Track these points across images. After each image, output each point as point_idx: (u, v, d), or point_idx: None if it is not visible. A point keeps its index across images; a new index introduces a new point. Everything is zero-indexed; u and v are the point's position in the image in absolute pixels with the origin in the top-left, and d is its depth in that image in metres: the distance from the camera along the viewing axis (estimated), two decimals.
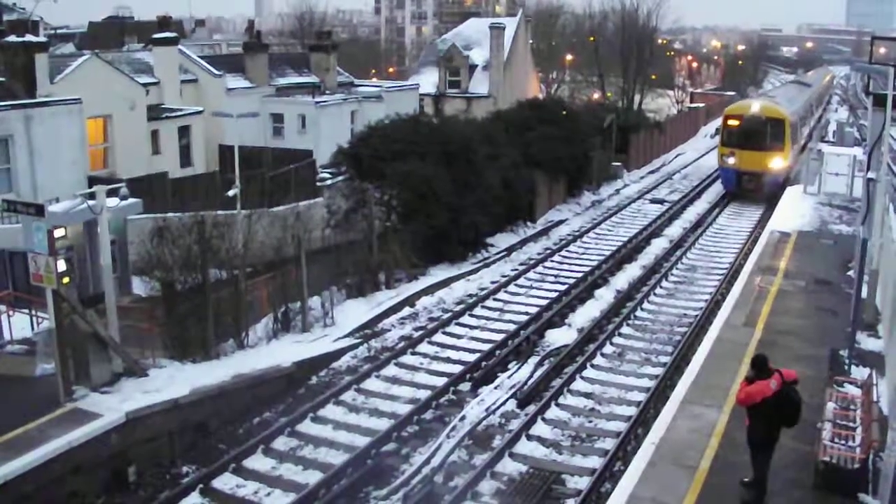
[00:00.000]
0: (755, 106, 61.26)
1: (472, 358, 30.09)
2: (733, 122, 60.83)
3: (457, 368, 29.25)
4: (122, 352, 25.00)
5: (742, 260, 40.61)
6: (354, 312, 34.11)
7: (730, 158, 60.04)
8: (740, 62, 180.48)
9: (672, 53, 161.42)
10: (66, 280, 23.24)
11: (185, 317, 28.45)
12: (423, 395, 27.12)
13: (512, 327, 33.49)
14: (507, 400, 26.62)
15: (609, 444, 23.52)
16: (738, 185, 60.52)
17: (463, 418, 25.36)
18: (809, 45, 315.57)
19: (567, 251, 46.70)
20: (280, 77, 68.34)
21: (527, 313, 35.22)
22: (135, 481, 22.46)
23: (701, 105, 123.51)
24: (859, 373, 22.03)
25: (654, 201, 62.08)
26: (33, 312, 28.96)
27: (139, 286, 32.57)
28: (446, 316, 34.93)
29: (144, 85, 52.33)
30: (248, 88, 63.25)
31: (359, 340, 31.88)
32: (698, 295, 37.42)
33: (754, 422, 16.06)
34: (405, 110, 56.13)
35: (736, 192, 61.14)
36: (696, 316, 33.61)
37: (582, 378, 28.46)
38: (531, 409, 25.88)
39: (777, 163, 58.42)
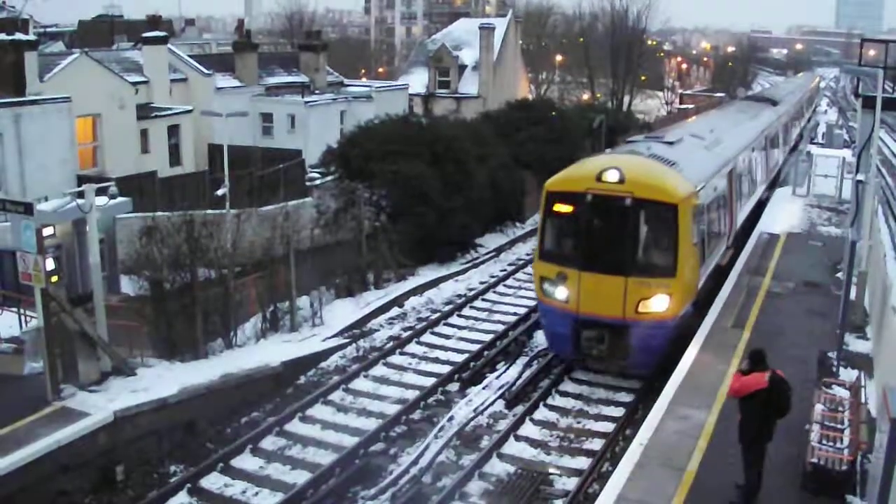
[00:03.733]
0: (612, 172, 26.05)
1: (460, 358, 30.08)
2: (564, 209, 27.53)
3: (445, 369, 29.24)
4: (110, 351, 24.95)
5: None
6: (343, 312, 34.10)
7: (556, 288, 27.05)
8: (730, 64, 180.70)
9: (662, 55, 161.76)
10: (54, 279, 23.18)
11: (174, 316, 28.40)
12: (412, 395, 27.11)
13: (500, 328, 33.49)
14: (495, 400, 26.63)
15: (597, 444, 23.54)
16: (575, 345, 27.31)
17: (451, 418, 25.35)
18: (799, 46, 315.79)
19: None
20: (269, 76, 68.35)
21: (515, 314, 35.23)
22: (122, 480, 22.40)
23: (690, 106, 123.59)
24: (847, 375, 22.08)
25: None
26: (22, 311, 28.90)
27: (128, 285, 32.54)
28: (435, 316, 34.93)
29: (134, 84, 52.28)
30: (238, 88, 63.25)
31: (347, 340, 31.85)
32: None
33: (746, 417, 16.09)
34: (395, 110, 56.16)
35: (573, 356, 28.32)
36: None
37: (570, 379, 28.44)
38: (519, 409, 25.88)
39: (658, 302, 25.91)
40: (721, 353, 23.91)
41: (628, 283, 25.51)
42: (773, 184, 51.60)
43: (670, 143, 30.93)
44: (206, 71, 61.36)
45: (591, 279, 26.06)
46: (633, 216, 25.69)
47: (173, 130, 54.35)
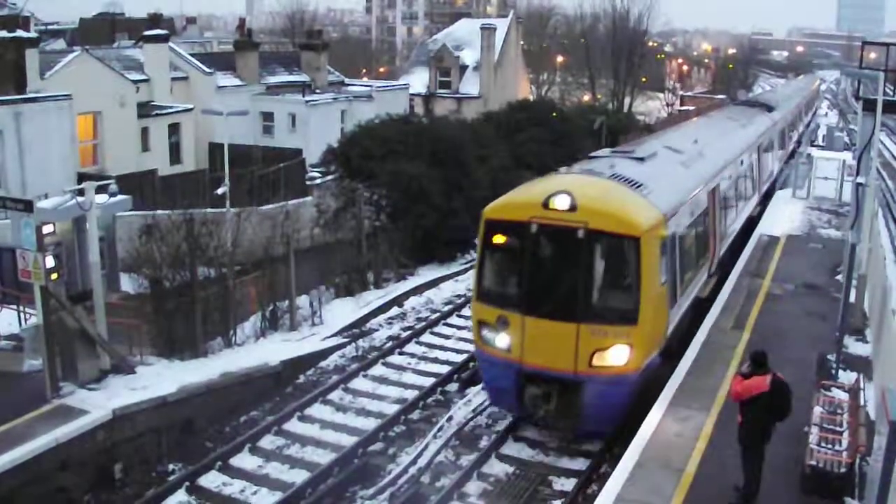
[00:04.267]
0: (561, 198, 21.69)
1: (459, 358, 30.05)
2: (505, 241, 23.25)
3: (444, 369, 29.24)
4: (109, 349, 24.94)
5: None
6: (342, 312, 34.10)
7: (497, 335, 22.75)
8: (730, 66, 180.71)
9: (662, 56, 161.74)
10: (54, 276, 23.18)
11: (173, 314, 28.41)
12: (411, 394, 27.11)
13: None
14: None
15: (596, 445, 23.53)
16: (520, 401, 22.89)
17: (450, 419, 25.32)
18: (800, 49, 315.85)
19: None
20: (270, 75, 68.39)
21: None
22: (121, 478, 22.43)
23: (691, 108, 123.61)
24: (847, 377, 22.06)
25: None
26: (21, 308, 28.90)
27: (127, 283, 32.56)
28: (434, 316, 34.93)
29: (135, 82, 52.34)
30: (239, 86, 63.29)
31: (347, 340, 31.85)
32: None
33: (747, 419, 16.09)
34: (395, 110, 56.25)
35: (519, 414, 24.22)
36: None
37: None
38: None
39: (617, 354, 21.59)
40: (721, 354, 23.89)
41: (581, 330, 21.16)
42: (768, 196, 47.03)
43: (639, 160, 26.55)
44: (207, 69, 61.38)
45: (536, 325, 21.69)
46: (586, 251, 21.34)
47: (174, 129, 54.42)
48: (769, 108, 54.45)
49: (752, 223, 39.45)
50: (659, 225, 22.02)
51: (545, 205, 21.51)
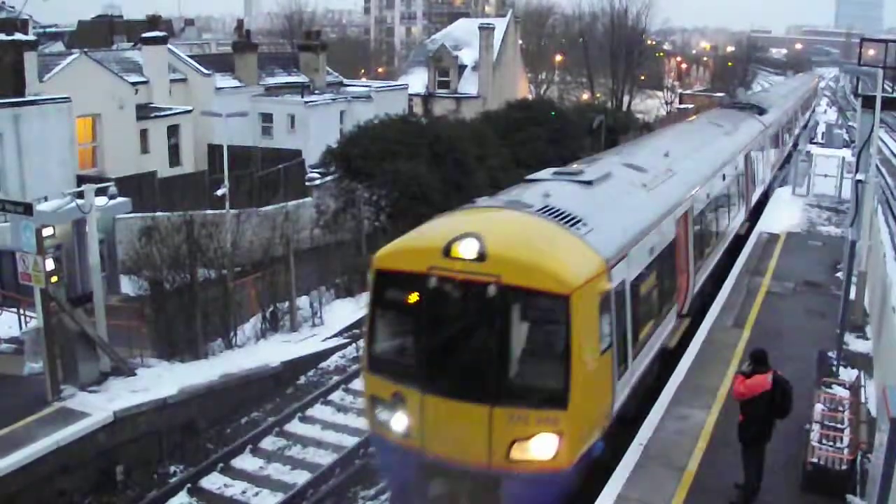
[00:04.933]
0: (468, 243, 16.33)
1: None
2: (400, 297, 17.81)
3: None
4: (110, 351, 24.95)
5: None
6: (343, 312, 34.07)
7: (392, 415, 17.25)
8: (729, 63, 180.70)
9: (661, 55, 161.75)
10: (54, 279, 23.18)
11: (174, 316, 28.42)
12: None
13: None
14: None
15: None
16: (422, 499, 17.25)
17: None
18: (798, 46, 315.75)
19: None
20: (269, 76, 68.38)
21: None
22: (122, 481, 22.45)
23: (690, 106, 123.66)
24: (847, 374, 22.03)
25: None
26: (21, 311, 28.88)
27: (127, 285, 32.57)
28: None
29: (133, 84, 52.33)
30: (238, 88, 63.27)
31: (347, 340, 31.85)
32: None
33: (748, 417, 16.08)
34: (394, 110, 56.26)
35: None
36: None
37: None
38: None
39: (542, 445, 16.04)
40: (721, 352, 23.87)
41: (495, 415, 15.99)
42: (758, 212, 41.86)
43: (586, 184, 21.28)
44: (205, 71, 61.37)
45: (439, 406, 16.47)
46: (499, 313, 16.14)
47: (173, 130, 54.41)
48: (760, 111, 49.60)
49: (739, 241, 35.25)
50: (598, 276, 16.85)
51: (447, 252, 16.28)
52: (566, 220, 17.90)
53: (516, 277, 15.92)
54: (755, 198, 40.69)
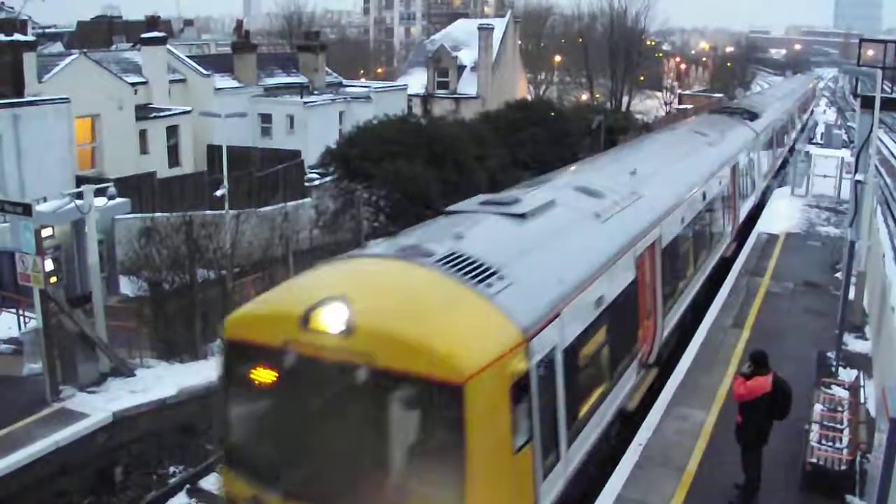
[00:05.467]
0: (330, 311, 12.30)
1: None
2: (253, 375, 13.21)
3: None
4: (109, 352, 24.94)
5: None
6: None
7: None
8: (729, 64, 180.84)
9: (660, 55, 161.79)
10: (53, 280, 23.19)
11: (173, 317, 28.42)
12: None
13: None
14: None
15: None
16: None
17: None
18: (797, 47, 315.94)
19: None
20: (268, 77, 68.39)
21: None
22: (121, 481, 22.45)
23: (689, 106, 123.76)
24: (846, 375, 22.03)
25: None
26: (20, 312, 28.89)
27: (127, 286, 32.52)
28: None
29: (133, 84, 52.35)
30: (237, 88, 63.28)
31: None
32: None
33: (747, 419, 16.07)
34: (393, 111, 56.24)
35: None
36: None
37: None
38: None
39: None
40: (721, 352, 23.87)
41: None
42: (747, 230, 37.69)
43: (518, 217, 16.98)
44: (204, 72, 61.39)
45: None
46: (373, 405, 12.40)
47: (172, 131, 54.41)
48: (752, 116, 45.78)
49: (726, 263, 31.92)
50: (509, 354, 12.54)
51: (306, 321, 12.38)
52: (474, 273, 13.65)
53: (393, 358, 11.82)
54: (743, 214, 36.73)
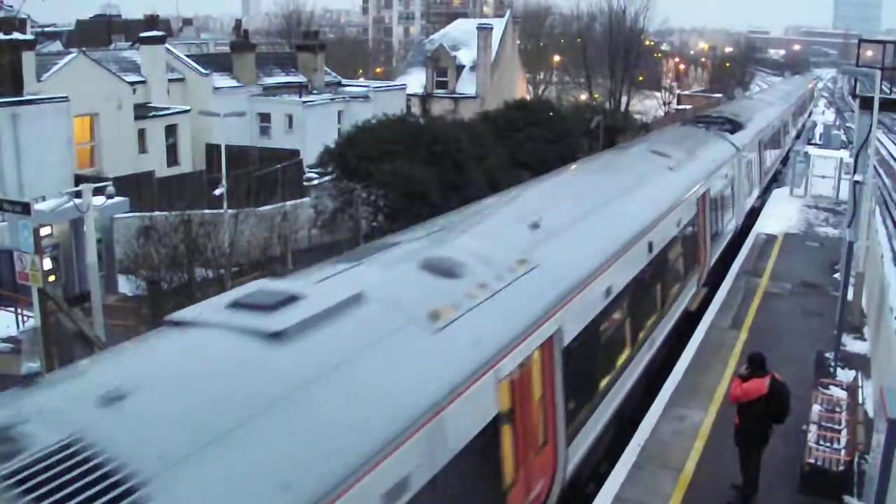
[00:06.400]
0: None
1: None
2: None
3: None
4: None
5: None
6: None
7: None
8: (727, 64, 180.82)
9: (659, 55, 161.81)
10: (51, 278, 23.22)
11: None
12: None
13: None
14: None
15: None
16: None
17: None
18: (797, 47, 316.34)
19: None
20: (267, 76, 68.41)
21: None
22: None
23: (688, 107, 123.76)
24: (845, 375, 22.04)
25: None
26: (19, 311, 28.88)
27: (125, 285, 32.53)
28: None
29: (131, 83, 52.36)
30: (236, 87, 63.27)
31: None
32: None
33: (744, 421, 16.07)
34: (392, 110, 56.19)
35: None
36: None
37: None
38: None
39: None
40: (718, 353, 23.87)
41: None
42: (725, 268, 31.90)
43: (269, 340, 9.56)
44: (203, 71, 61.39)
45: None
46: None
47: (171, 130, 54.42)
48: (734, 126, 38.71)
49: (691, 320, 26.01)
50: None
51: None
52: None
53: None
54: (718, 252, 30.43)
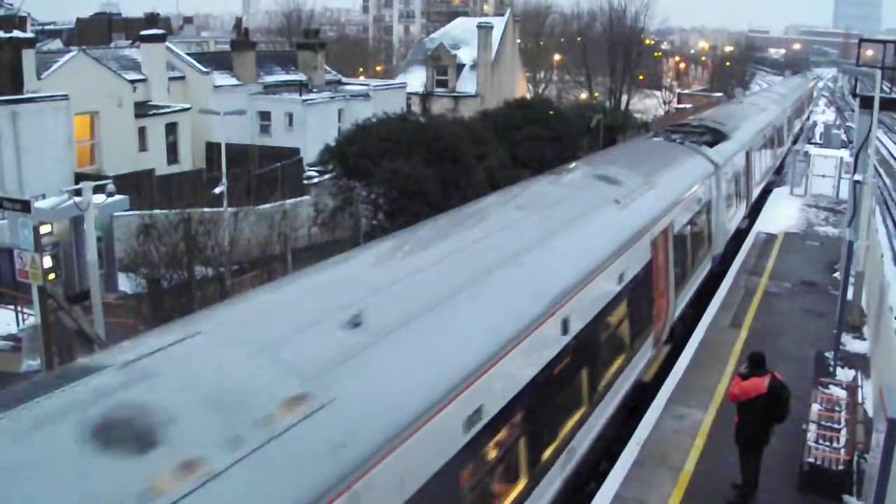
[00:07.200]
0: None
1: None
2: None
3: None
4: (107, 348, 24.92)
5: None
6: None
7: None
8: (727, 63, 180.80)
9: (659, 54, 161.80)
10: (51, 276, 23.21)
11: (171, 314, 28.36)
12: None
13: None
14: None
15: None
16: None
17: None
18: (797, 46, 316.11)
19: None
20: (267, 75, 68.38)
21: None
22: None
23: (688, 106, 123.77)
24: (844, 375, 22.03)
25: None
26: (19, 308, 28.88)
27: (125, 283, 32.55)
28: None
29: (132, 82, 52.33)
30: (236, 86, 63.23)
31: None
32: None
33: (744, 420, 16.06)
34: (392, 109, 56.21)
35: None
36: None
37: None
38: None
39: None
40: (718, 352, 23.87)
41: None
42: (700, 308, 26.88)
43: None
44: (203, 69, 61.36)
45: None
46: None
47: (171, 128, 54.39)
48: (716, 138, 33.07)
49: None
50: None
51: None
52: None
53: None
54: (685, 299, 25.08)
